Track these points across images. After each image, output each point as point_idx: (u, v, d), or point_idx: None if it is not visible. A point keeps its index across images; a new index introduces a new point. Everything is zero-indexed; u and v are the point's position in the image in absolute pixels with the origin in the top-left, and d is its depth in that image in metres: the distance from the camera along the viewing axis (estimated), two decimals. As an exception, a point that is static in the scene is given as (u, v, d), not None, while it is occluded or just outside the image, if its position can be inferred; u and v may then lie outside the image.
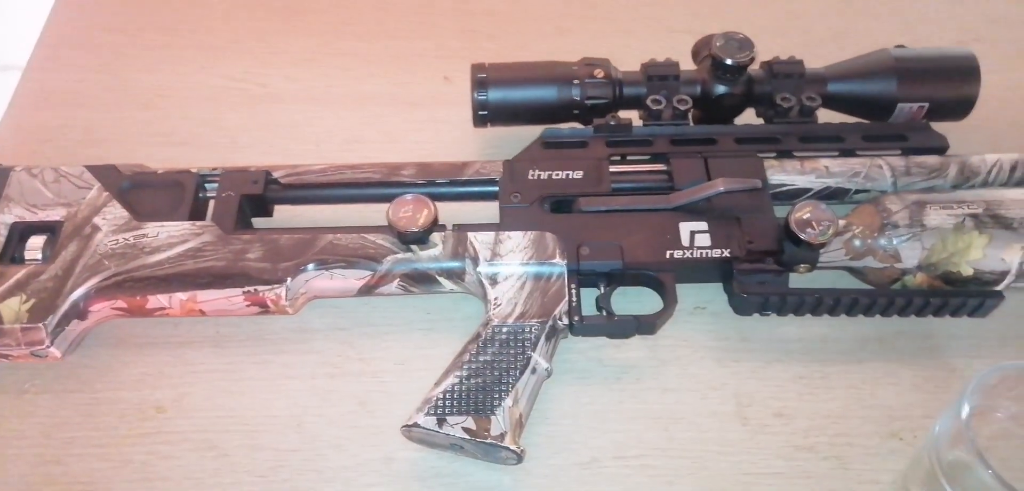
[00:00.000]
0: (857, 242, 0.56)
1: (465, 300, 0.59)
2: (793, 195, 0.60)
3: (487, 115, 0.63)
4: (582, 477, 0.53)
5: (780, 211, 0.57)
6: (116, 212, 0.57)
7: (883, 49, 0.64)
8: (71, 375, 0.56)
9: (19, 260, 0.56)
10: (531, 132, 0.63)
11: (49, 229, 0.57)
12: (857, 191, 0.60)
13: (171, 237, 0.56)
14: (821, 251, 0.56)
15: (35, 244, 0.56)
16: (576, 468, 0.53)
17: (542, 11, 0.82)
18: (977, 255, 0.55)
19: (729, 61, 0.61)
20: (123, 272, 0.54)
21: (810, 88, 0.62)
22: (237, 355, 0.57)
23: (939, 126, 0.63)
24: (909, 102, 0.62)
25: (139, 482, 0.52)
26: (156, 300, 0.55)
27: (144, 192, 0.59)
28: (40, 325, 0.52)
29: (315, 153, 0.70)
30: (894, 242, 0.55)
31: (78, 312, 0.54)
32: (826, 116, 0.64)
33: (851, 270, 0.59)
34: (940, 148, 0.62)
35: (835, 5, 0.83)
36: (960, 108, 0.64)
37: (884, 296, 0.56)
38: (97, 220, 0.57)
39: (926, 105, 0.62)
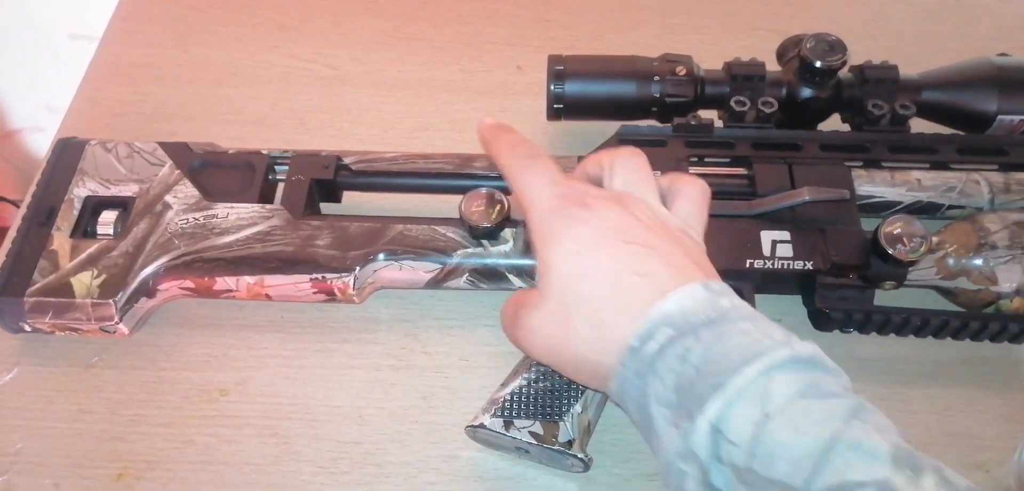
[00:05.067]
0: (950, 261, 0.53)
1: (533, 298, 0.58)
2: (881, 208, 0.57)
3: (562, 108, 0.61)
4: (648, 488, 0.51)
5: (865, 223, 0.55)
6: (187, 191, 0.57)
7: (984, 57, 0.60)
8: (137, 352, 0.56)
9: (91, 234, 0.56)
10: (603, 127, 0.61)
11: (121, 204, 0.57)
12: (950, 207, 0.57)
13: (240, 219, 0.55)
14: (910, 269, 0.53)
15: (107, 219, 0.56)
16: (641, 479, 0.51)
17: (618, 2, 0.80)
18: (1082, 282, 0.51)
19: (819, 64, 0.58)
20: (192, 252, 0.54)
21: (904, 95, 0.59)
22: (301, 342, 0.57)
23: (1041, 141, 0.60)
24: (1011, 114, 0.58)
25: (201, 464, 0.52)
26: (223, 282, 0.54)
27: (215, 171, 0.59)
28: (110, 301, 0.52)
29: (383, 138, 0.69)
30: (991, 264, 0.52)
31: (147, 290, 0.54)
32: (917, 126, 0.60)
33: (940, 290, 0.56)
34: (1043, 165, 0.58)
35: (929, 8, 0.79)
36: (1066, 123, 0.60)
37: (977, 320, 0.53)
38: (168, 198, 0.57)
39: (1029, 118, 0.59)
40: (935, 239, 0.53)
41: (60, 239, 0.55)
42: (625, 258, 0.41)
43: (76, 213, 0.56)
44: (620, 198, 0.44)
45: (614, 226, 0.42)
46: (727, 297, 0.40)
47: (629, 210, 0.43)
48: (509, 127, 0.49)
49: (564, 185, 0.44)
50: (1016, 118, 0.59)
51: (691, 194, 0.46)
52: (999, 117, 0.59)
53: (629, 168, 0.46)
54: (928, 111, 0.60)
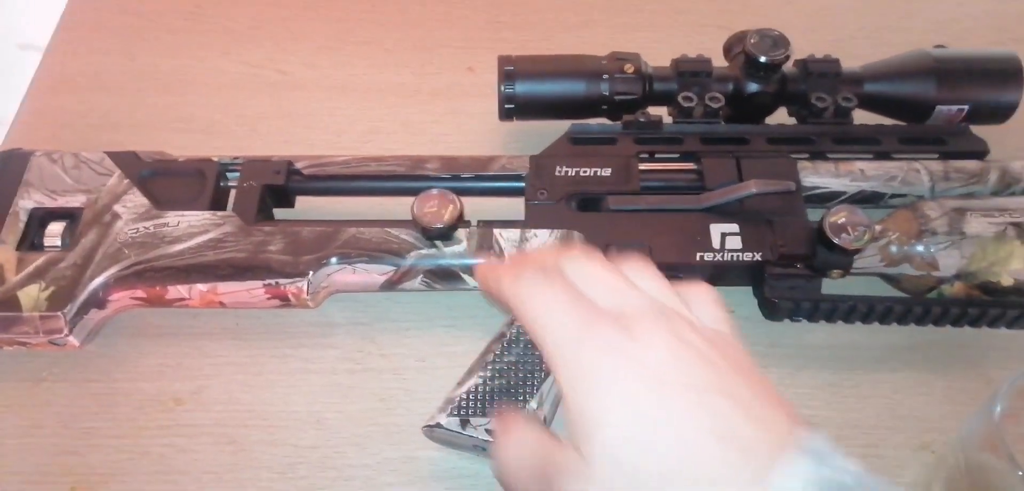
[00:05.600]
0: (893, 248, 0.55)
1: (488, 297, 0.58)
2: (826, 198, 0.58)
3: (513, 109, 0.62)
4: (606, 482, 0.51)
5: (812, 214, 0.56)
6: (136, 200, 0.56)
7: (922, 49, 0.62)
8: (89, 364, 0.55)
9: (38, 247, 0.55)
10: (555, 126, 0.62)
11: (69, 216, 0.56)
12: (893, 195, 0.58)
13: (191, 227, 0.55)
14: (855, 257, 0.54)
15: (54, 231, 0.55)
16: (599, 472, 0.52)
17: (568, 2, 0.81)
18: (1018, 265, 0.53)
19: (763, 59, 0.59)
20: (143, 261, 0.54)
21: (846, 88, 0.61)
22: (256, 348, 0.56)
23: (979, 129, 0.61)
24: (948, 104, 0.60)
25: (157, 475, 0.51)
26: (176, 290, 0.54)
27: (165, 180, 0.58)
28: (59, 313, 0.52)
29: (335, 143, 0.69)
30: (932, 250, 0.54)
31: (97, 301, 0.53)
32: (861, 117, 0.62)
33: (885, 277, 0.57)
34: (980, 152, 0.60)
35: (869, 2, 0.81)
36: (1001, 112, 0.62)
37: (920, 305, 0.54)
38: (117, 208, 0.56)
39: (966, 108, 0.61)
40: (878, 227, 0.55)
41: (5, 253, 0.54)
42: (697, 415, 0.32)
43: (22, 226, 0.55)
44: (659, 309, 0.35)
45: (667, 361, 0.33)
46: (828, 464, 0.30)
47: (675, 329, 0.34)
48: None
49: (584, 304, 0.35)
50: (954, 108, 0.61)
51: (708, 297, 0.39)
52: (938, 107, 0.61)
53: (643, 271, 0.38)
54: (870, 103, 0.62)
